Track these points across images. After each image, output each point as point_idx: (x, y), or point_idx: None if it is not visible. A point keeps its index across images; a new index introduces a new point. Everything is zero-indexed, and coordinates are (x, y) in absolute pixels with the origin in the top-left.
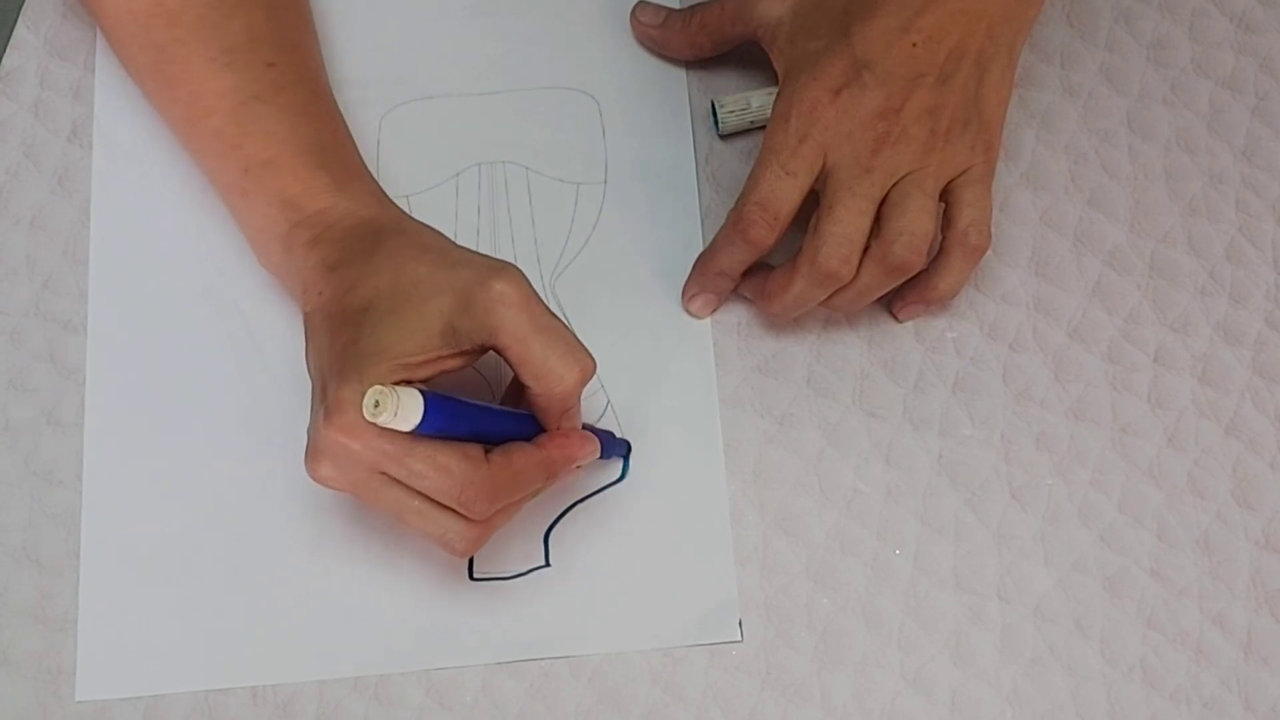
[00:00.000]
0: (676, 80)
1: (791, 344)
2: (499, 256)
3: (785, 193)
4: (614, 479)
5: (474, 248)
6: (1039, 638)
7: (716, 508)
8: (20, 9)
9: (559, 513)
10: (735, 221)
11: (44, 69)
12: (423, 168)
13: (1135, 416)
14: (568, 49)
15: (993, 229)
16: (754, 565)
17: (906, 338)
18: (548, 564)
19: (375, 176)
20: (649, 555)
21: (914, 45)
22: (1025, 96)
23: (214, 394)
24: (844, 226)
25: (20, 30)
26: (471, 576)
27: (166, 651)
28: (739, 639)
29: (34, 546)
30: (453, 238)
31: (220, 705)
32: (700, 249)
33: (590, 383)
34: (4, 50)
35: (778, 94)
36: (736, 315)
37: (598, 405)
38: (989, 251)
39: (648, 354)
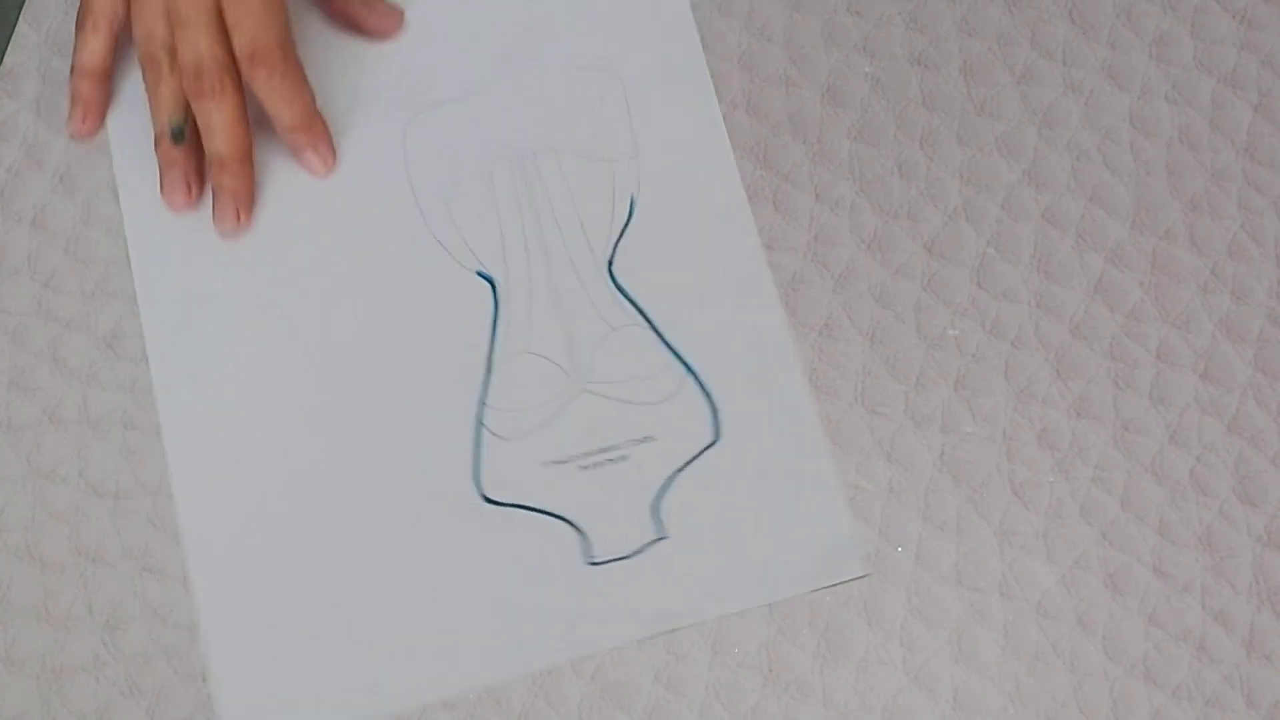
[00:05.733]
0: (691, 45)
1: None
2: (545, 246)
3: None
4: (708, 443)
5: (520, 240)
6: (1041, 635)
7: (815, 450)
8: (21, 6)
9: (662, 483)
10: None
11: (46, 66)
12: (454, 170)
13: (1137, 413)
14: (581, 28)
15: (995, 226)
16: None
17: (908, 335)
18: (663, 536)
19: (407, 186)
20: (759, 509)
21: None
22: (1027, 93)
23: (293, 406)
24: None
25: (22, 27)
26: (592, 562)
27: (299, 686)
28: (867, 573)
29: (36, 545)
30: (497, 232)
31: None
32: (743, 205)
33: (664, 354)
34: (6, 47)
35: None
36: None
37: (676, 375)
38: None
39: (716, 316)
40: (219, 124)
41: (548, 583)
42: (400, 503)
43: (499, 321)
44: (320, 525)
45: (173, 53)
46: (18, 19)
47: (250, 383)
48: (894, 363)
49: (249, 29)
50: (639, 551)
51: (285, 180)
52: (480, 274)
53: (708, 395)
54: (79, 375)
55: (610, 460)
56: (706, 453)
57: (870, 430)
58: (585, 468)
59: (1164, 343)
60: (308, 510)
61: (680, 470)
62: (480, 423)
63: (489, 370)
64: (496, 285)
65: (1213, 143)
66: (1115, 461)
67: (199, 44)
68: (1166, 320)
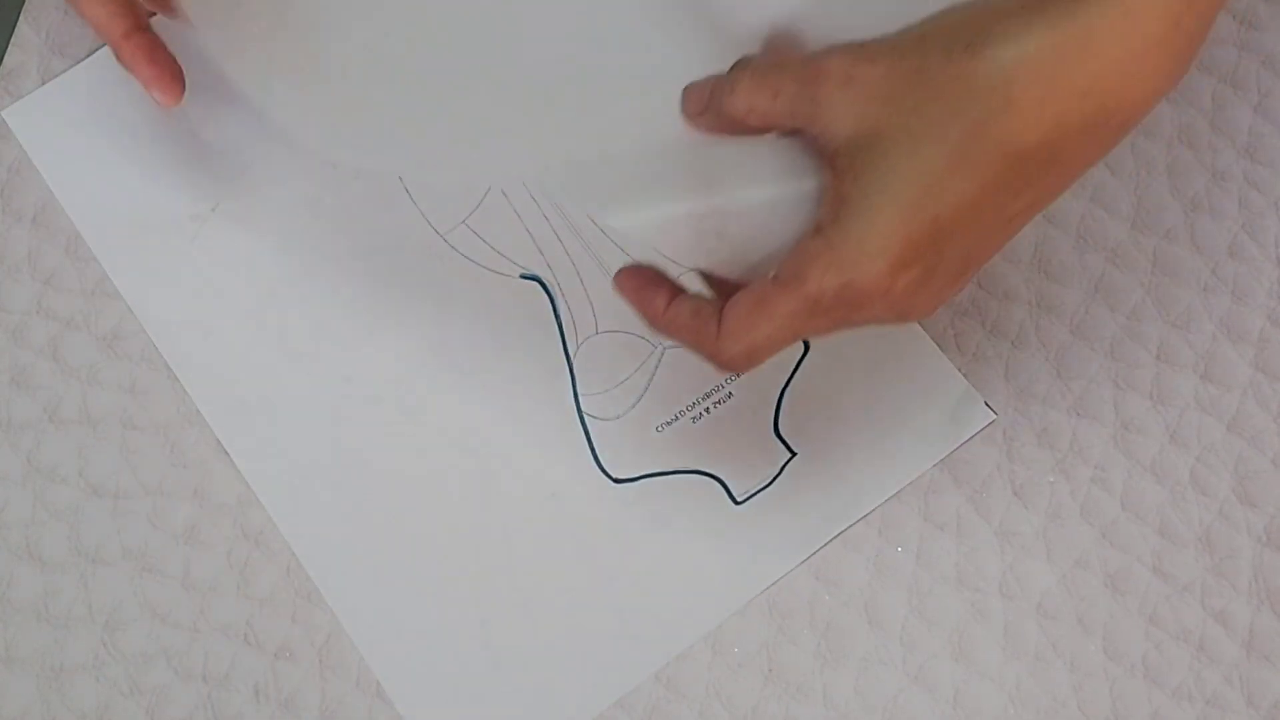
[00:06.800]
0: None
1: None
2: (574, 228)
3: None
4: (801, 353)
5: (549, 231)
6: (1041, 635)
7: (905, 328)
8: (21, 6)
9: (774, 406)
10: None
11: (46, 66)
12: (459, 189)
13: (1137, 413)
14: None
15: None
16: None
17: None
18: (794, 453)
19: (421, 219)
20: (872, 396)
21: None
22: None
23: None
24: None
25: (22, 27)
26: (737, 501)
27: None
28: (994, 417)
29: (36, 545)
30: (524, 232)
31: None
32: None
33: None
34: (6, 47)
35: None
36: None
37: None
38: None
39: (760, 224)
40: None
41: (701, 536)
42: (533, 515)
43: (559, 314)
44: (460, 551)
45: None
46: (18, 19)
47: (341, 438)
48: None
49: None
50: (777, 476)
51: (317, 249)
52: (524, 276)
53: None
54: (79, 375)
55: (717, 403)
56: (803, 363)
57: None
58: (696, 419)
59: (1164, 342)
60: (444, 539)
61: (786, 387)
62: (582, 412)
63: (569, 361)
64: (543, 281)
65: (1213, 143)
66: (1115, 461)
67: None
68: (1166, 320)
